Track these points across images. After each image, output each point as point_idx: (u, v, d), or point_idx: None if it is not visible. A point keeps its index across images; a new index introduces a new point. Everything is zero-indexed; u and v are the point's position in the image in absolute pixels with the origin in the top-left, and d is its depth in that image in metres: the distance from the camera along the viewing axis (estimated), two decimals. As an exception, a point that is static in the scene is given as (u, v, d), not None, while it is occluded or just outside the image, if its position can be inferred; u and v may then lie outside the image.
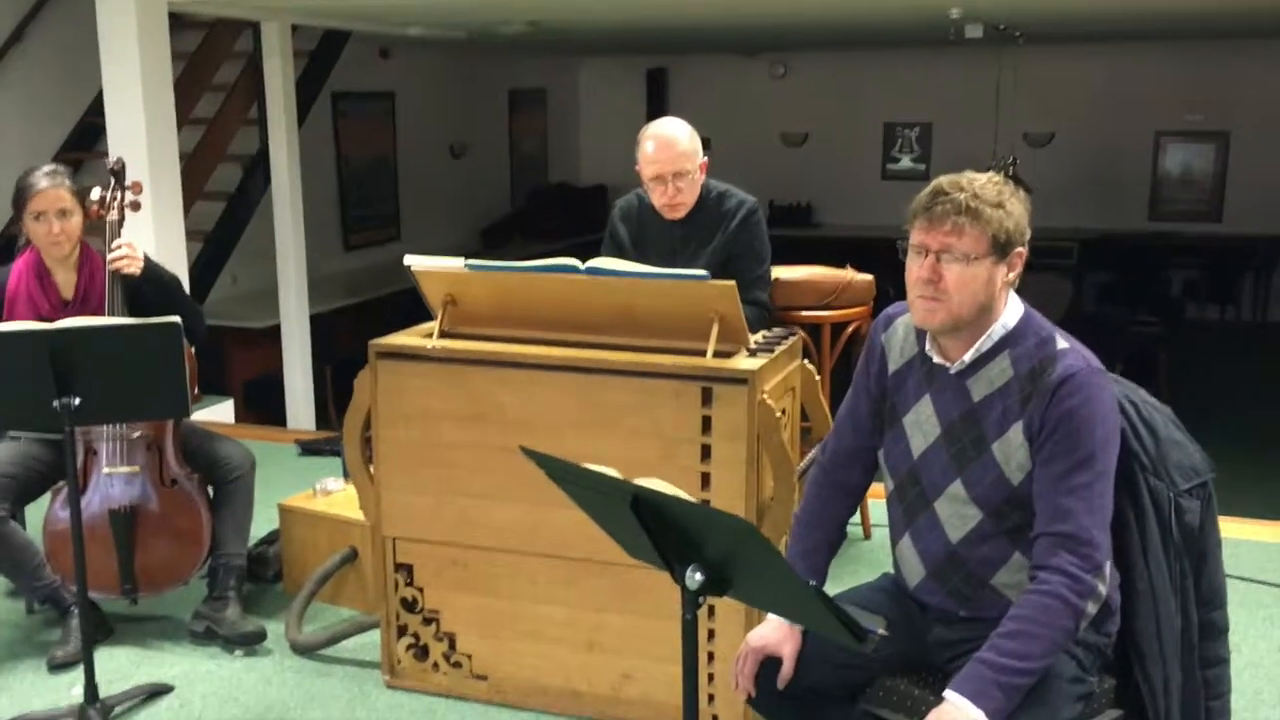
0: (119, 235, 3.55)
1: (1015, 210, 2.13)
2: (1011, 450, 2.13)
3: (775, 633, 2.25)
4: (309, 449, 5.66)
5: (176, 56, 6.19)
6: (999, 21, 8.10)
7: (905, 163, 12.62)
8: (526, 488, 2.96)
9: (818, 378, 3.30)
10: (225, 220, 7.79)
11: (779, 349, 3.04)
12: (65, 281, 3.58)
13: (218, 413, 6.27)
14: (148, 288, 3.55)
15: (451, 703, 3.26)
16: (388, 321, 3.58)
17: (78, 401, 2.88)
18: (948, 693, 2.01)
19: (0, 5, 7.17)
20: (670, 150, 3.52)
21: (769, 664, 2.25)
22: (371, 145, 10.20)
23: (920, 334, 2.27)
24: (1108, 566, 2.11)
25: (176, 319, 3.02)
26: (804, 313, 4.02)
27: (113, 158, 3.73)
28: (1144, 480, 2.23)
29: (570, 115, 13.70)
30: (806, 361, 3.28)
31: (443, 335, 3.15)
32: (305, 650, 3.55)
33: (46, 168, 3.53)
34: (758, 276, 3.65)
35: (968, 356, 2.19)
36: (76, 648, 3.40)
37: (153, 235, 5.44)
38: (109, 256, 3.50)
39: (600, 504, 1.93)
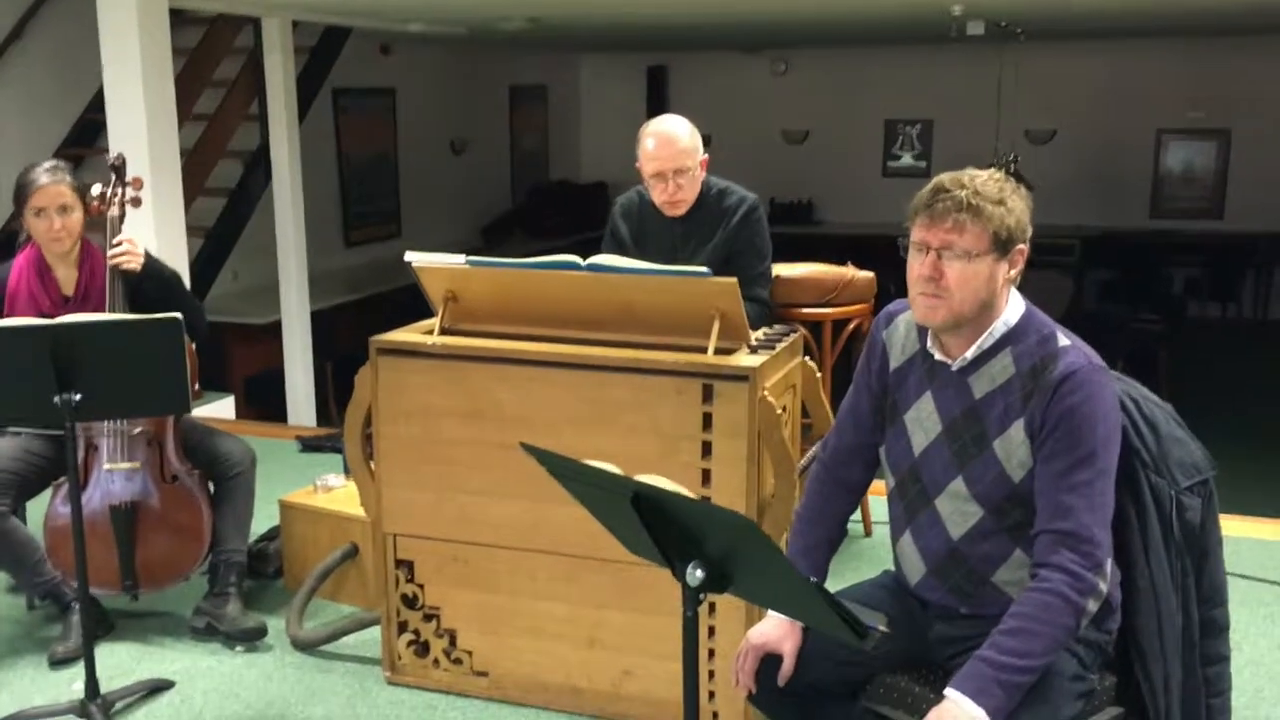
0: (120, 231, 3.55)
1: (1016, 207, 2.12)
2: (1013, 447, 2.13)
3: (776, 630, 2.25)
4: (310, 445, 5.66)
5: (177, 52, 6.18)
6: (1000, 18, 8.09)
7: (906, 160, 12.61)
8: (527, 484, 2.96)
9: (818, 375, 3.30)
10: (226, 216, 7.79)
11: (780, 346, 3.04)
12: (66, 278, 3.58)
13: (219, 409, 6.27)
14: (148, 284, 3.55)
15: (452, 699, 3.26)
16: (388, 318, 3.58)
17: (79, 397, 2.88)
18: (948, 690, 2.01)
19: (1, 2, 7.16)
20: (671, 147, 3.52)
21: (770, 661, 2.25)
22: (372, 141, 10.20)
23: (922, 331, 2.27)
24: (1109, 564, 2.11)
25: (178, 315, 3.02)
26: (805, 310, 4.02)
27: (113, 154, 3.73)
28: (1145, 477, 2.23)
29: (571, 112, 13.70)
30: (807, 359, 3.28)
31: (443, 332, 3.15)
32: (306, 646, 3.56)
33: (47, 164, 3.53)
34: (759, 273, 3.65)
35: (969, 353, 2.19)
36: (77, 643, 3.41)
37: (153, 231, 5.44)
38: (109, 253, 3.50)
39: (601, 500, 1.93)
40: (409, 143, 10.64)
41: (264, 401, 7.62)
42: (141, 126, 5.51)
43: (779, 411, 2.92)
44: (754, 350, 2.96)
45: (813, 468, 2.48)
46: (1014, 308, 2.19)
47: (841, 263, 4.17)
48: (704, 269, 2.93)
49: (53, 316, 3.17)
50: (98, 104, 6.27)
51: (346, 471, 3.98)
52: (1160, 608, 2.22)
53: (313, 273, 7.57)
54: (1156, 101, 11.61)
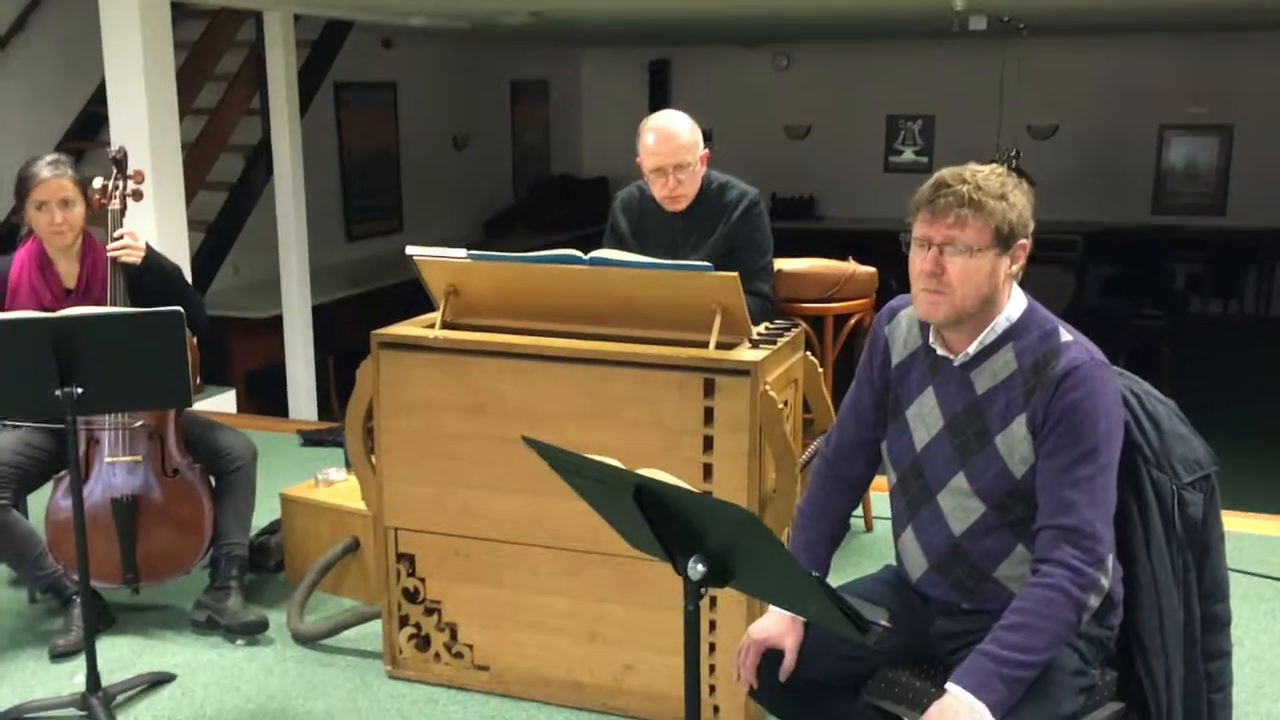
0: (121, 225, 3.55)
1: (1018, 202, 2.12)
2: (1015, 443, 2.13)
3: (777, 625, 2.25)
4: (311, 439, 5.66)
5: (179, 46, 6.18)
6: (1003, 13, 8.08)
7: (908, 155, 12.60)
8: (528, 478, 2.96)
9: (820, 370, 3.30)
10: (227, 210, 7.79)
11: (781, 341, 3.03)
12: (67, 271, 3.58)
13: (220, 403, 6.28)
14: (149, 277, 3.55)
15: (453, 693, 3.26)
16: (390, 312, 3.58)
17: (80, 390, 2.88)
18: (950, 685, 2.01)
19: (2, -5, 7.17)
20: (671, 143, 3.52)
21: (771, 656, 2.25)
22: (374, 136, 10.19)
23: (924, 326, 2.27)
24: (1110, 559, 2.11)
25: (179, 308, 3.02)
26: (806, 305, 4.02)
27: (115, 147, 3.73)
28: (1147, 473, 2.23)
29: (572, 106, 13.69)
30: (809, 353, 3.28)
31: (445, 326, 3.15)
32: (307, 640, 3.56)
33: (49, 157, 3.53)
34: (760, 268, 3.64)
35: (971, 349, 2.18)
36: (78, 637, 3.41)
37: (155, 225, 5.44)
38: (109, 246, 3.50)
39: (602, 494, 1.93)
40: (411, 137, 10.63)
41: (265, 395, 7.63)
42: (143, 120, 5.51)
43: (781, 406, 2.91)
44: (755, 345, 2.96)
45: (815, 463, 2.47)
46: (1016, 303, 2.19)
47: (843, 258, 4.16)
48: (705, 264, 2.93)
49: (54, 310, 3.17)
50: (99, 97, 6.27)
51: (348, 465, 3.98)
52: (1162, 603, 2.22)
53: (314, 267, 7.56)
54: (1159, 97, 11.60)
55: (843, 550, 3.44)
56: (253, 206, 7.92)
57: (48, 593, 3.66)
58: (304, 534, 3.94)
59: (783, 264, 3.95)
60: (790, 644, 2.23)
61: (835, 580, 2.05)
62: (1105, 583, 2.09)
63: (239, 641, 3.58)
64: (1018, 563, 2.17)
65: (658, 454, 2.87)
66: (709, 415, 2.88)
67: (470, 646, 3.26)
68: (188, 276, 4.52)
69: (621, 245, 3.62)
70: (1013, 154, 9.12)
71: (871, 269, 4.15)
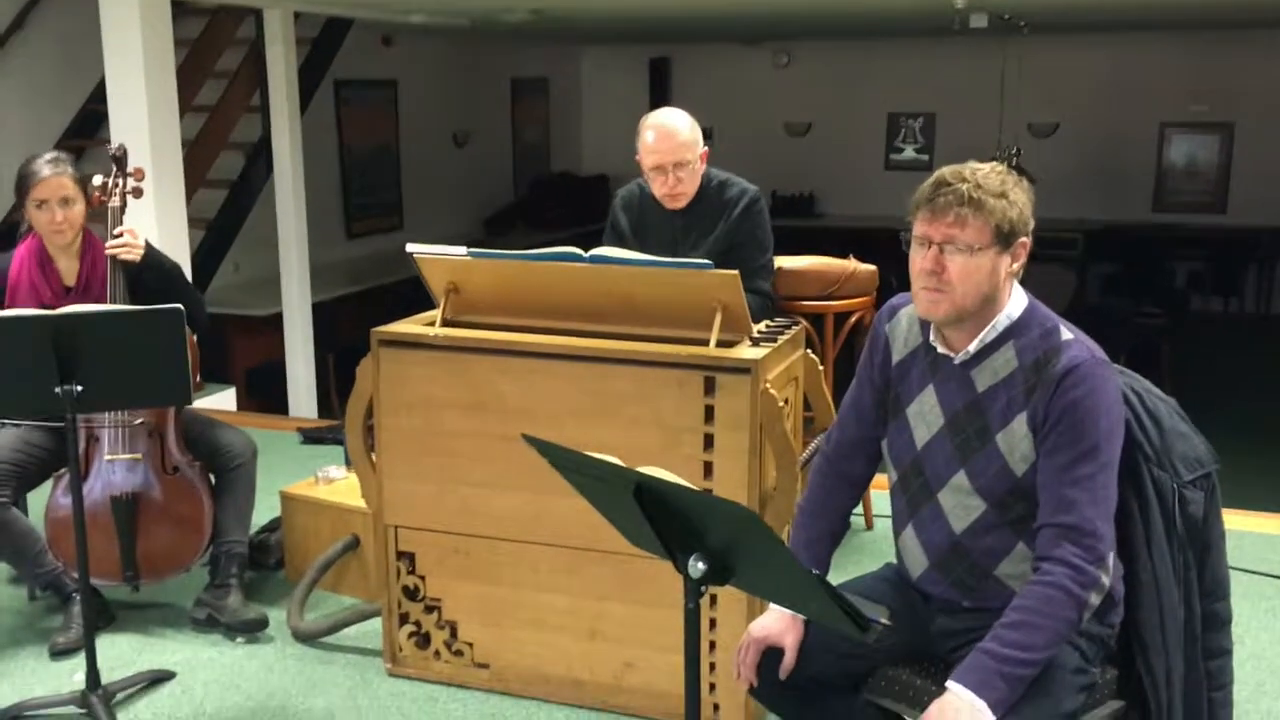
0: (120, 222, 3.55)
1: (1019, 200, 2.12)
2: (1015, 441, 2.12)
3: (777, 623, 2.25)
4: (311, 437, 5.66)
5: (179, 43, 6.17)
6: (1003, 11, 8.08)
7: (909, 153, 12.60)
8: (528, 476, 2.96)
9: (821, 367, 3.30)
10: (227, 208, 7.79)
11: (782, 339, 3.03)
12: (67, 268, 3.57)
13: (220, 400, 6.28)
14: (149, 275, 3.55)
15: (453, 691, 3.26)
16: (390, 310, 3.58)
17: (80, 388, 2.88)
18: (950, 683, 2.01)
19: (2, -8, 7.16)
20: (670, 140, 3.51)
21: (771, 654, 2.25)
22: (374, 133, 10.19)
23: (924, 324, 2.26)
24: (1111, 557, 2.11)
25: (179, 305, 3.02)
26: (807, 303, 4.01)
27: (115, 144, 3.73)
28: (1148, 471, 2.22)
29: (572, 104, 13.69)
30: (809, 351, 3.28)
31: (445, 323, 3.15)
32: (307, 638, 3.56)
33: (49, 155, 3.52)
34: (760, 266, 3.64)
35: (972, 347, 2.18)
36: (78, 634, 3.41)
37: (155, 222, 5.43)
38: (109, 243, 3.50)
39: (602, 492, 1.93)
40: (411, 134, 10.63)
41: (265, 393, 7.63)
42: (143, 117, 5.51)
43: (781, 404, 2.91)
44: (756, 343, 2.96)
45: (815, 461, 2.47)
46: (1017, 301, 2.19)
47: (844, 256, 4.16)
48: (706, 261, 2.93)
49: (54, 307, 3.17)
50: (99, 95, 6.26)
51: (348, 463, 3.98)
52: (1162, 601, 2.22)
53: (314, 264, 7.56)
54: (1159, 95, 11.59)
55: (843, 548, 3.44)
56: (253, 204, 7.92)
57: (47, 590, 3.66)
58: (304, 532, 3.94)
59: (783, 262, 3.95)
60: (790, 642, 2.23)
61: (835, 578, 2.05)
62: (1106, 581, 2.09)
63: (239, 639, 3.57)
64: (1018, 561, 2.17)
65: (658, 452, 2.87)
66: (709, 413, 2.88)
67: (470, 644, 3.26)
68: (188, 274, 4.52)
69: (622, 243, 3.61)
70: (1013, 152, 9.10)
71: (872, 267, 4.15)
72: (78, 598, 3.43)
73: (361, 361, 3.20)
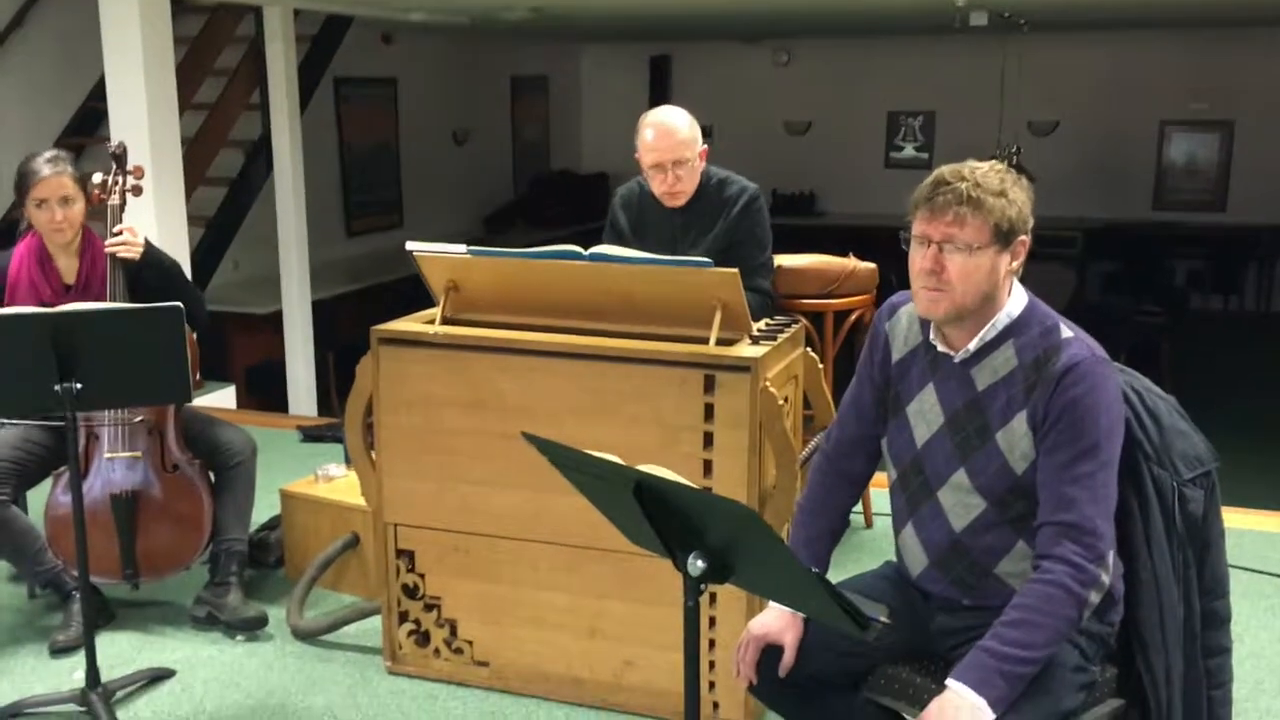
0: (120, 220, 3.55)
1: (1018, 198, 2.12)
2: (1015, 439, 2.12)
3: (777, 621, 2.25)
4: (311, 435, 5.66)
5: (178, 41, 6.17)
6: (1004, 9, 8.07)
7: (908, 151, 12.60)
8: (528, 474, 2.96)
9: (820, 366, 3.30)
10: (227, 206, 7.79)
11: (782, 337, 3.03)
12: (67, 266, 3.57)
13: (220, 398, 6.28)
14: (148, 273, 3.55)
15: (452, 689, 3.26)
16: (390, 308, 3.57)
17: (79, 386, 2.88)
18: (950, 681, 2.01)
19: (1, -11, 7.16)
20: (670, 138, 3.51)
21: (771, 652, 2.25)
22: (374, 131, 10.19)
23: (924, 323, 2.26)
24: (1111, 556, 2.11)
25: (178, 303, 3.01)
26: (807, 301, 4.01)
27: (114, 142, 3.72)
28: (1148, 469, 2.22)
29: (572, 102, 13.69)
30: (809, 349, 3.28)
31: (445, 321, 3.15)
32: (307, 636, 3.56)
33: (48, 154, 3.52)
34: (760, 264, 3.64)
35: (972, 345, 2.18)
36: (78, 632, 3.41)
37: (154, 220, 5.43)
38: (108, 241, 3.49)
39: (602, 490, 1.93)
40: (410, 132, 10.62)
41: (265, 391, 7.63)
42: (142, 115, 5.51)
43: (781, 402, 2.91)
44: (756, 341, 2.96)
45: (815, 459, 2.47)
46: (1017, 300, 2.18)
47: (843, 254, 4.16)
48: (706, 259, 2.93)
49: (53, 305, 3.17)
50: (99, 92, 6.26)
51: (347, 461, 3.98)
52: (1162, 599, 2.22)
53: (314, 263, 7.56)
54: (1159, 93, 11.59)
55: (843, 546, 3.44)
56: (252, 202, 7.92)
57: (47, 588, 3.66)
58: (304, 530, 3.94)
59: (783, 260, 3.95)
60: (790, 640, 2.23)
61: (835, 576, 2.04)
62: (1106, 579, 2.09)
63: (239, 637, 3.58)
64: (1018, 559, 2.17)
65: (657, 450, 2.87)
66: (709, 411, 2.88)
67: (470, 642, 3.26)
68: (187, 272, 4.52)
69: (621, 242, 3.61)
70: (1013, 150, 9.10)
71: (872, 265, 4.15)
72: (77, 595, 3.43)
73: (361, 359, 3.20)
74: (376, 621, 3.46)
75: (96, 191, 3.58)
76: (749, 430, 2.84)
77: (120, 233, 3.50)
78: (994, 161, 2.18)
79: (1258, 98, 11.28)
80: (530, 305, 3.12)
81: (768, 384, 2.84)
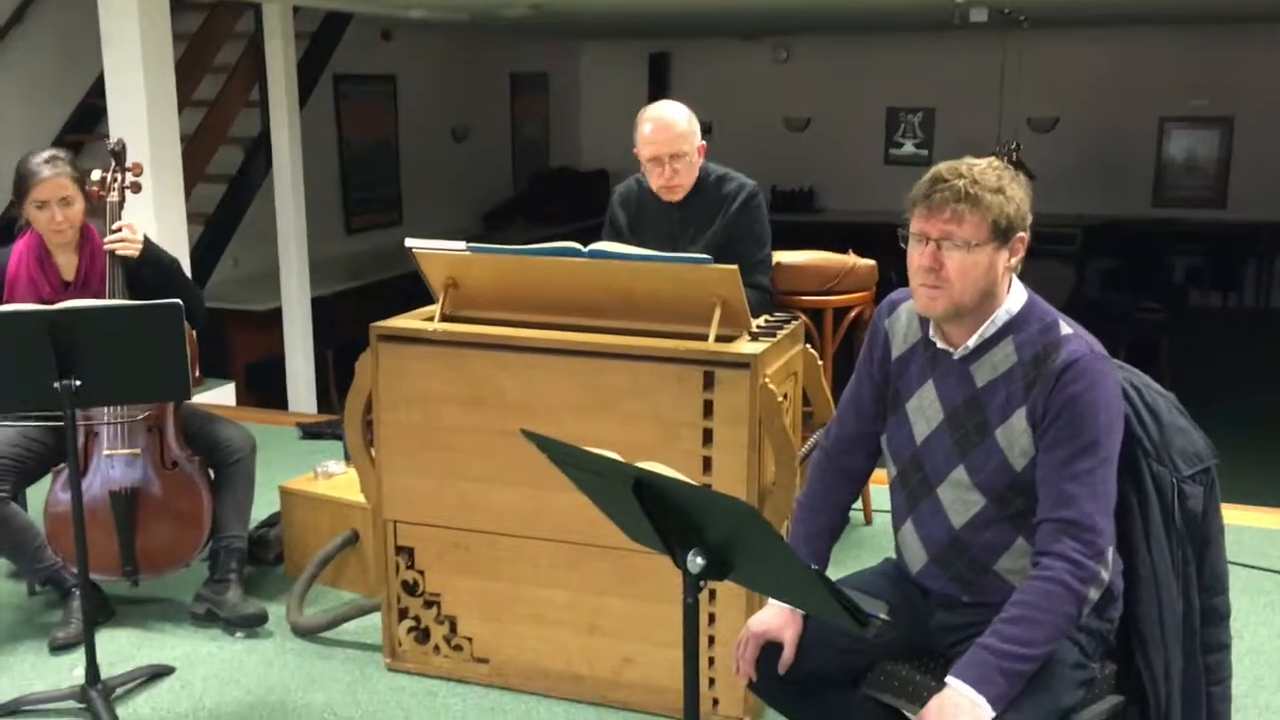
0: (119, 217, 3.55)
1: (1016, 195, 2.11)
2: (1015, 436, 2.12)
3: (777, 618, 2.25)
4: (310, 432, 5.66)
5: (177, 38, 6.16)
6: (1003, 5, 8.07)
7: (908, 148, 12.59)
8: (527, 471, 2.96)
9: (820, 362, 3.30)
10: (226, 203, 7.78)
11: (781, 333, 3.03)
12: (66, 264, 3.57)
13: (219, 395, 6.27)
14: (147, 270, 3.55)
15: (452, 685, 3.26)
16: (389, 305, 3.57)
17: (78, 383, 2.87)
18: (950, 678, 2.01)
19: (1, -14, 7.15)
20: (668, 132, 3.51)
21: (770, 649, 2.25)
22: (373, 128, 10.18)
23: (924, 320, 2.26)
24: (1110, 552, 2.11)
25: (178, 300, 3.01)
26: (806, 297, 4.01)
27: (113, 139, 3.72)
28: (1147, 466, 2.22)
29: (572, 99, 13.68)
30: (808, 346, 3.27)
31: (444, 318, 3.15)
32: (306, 633, 3.56)
33: (46, 154, 3.50)
34: (758, 260, 3.64)
35: (971, 342, 2.18)
36: (78, 629, 3.41)
37: (154, 217, 5.43)
38: (106, 238, 3.49)
39: (601, 487, 1.93)
40: (410, 129, 10.62)
41: (265, 388, 7.62)
42: (142, 112, 5.50)
43: (780, 399, 2.91)
44: (755, 337, 2.96)
45: (814, 456, 2.47)
46: (1016, 296, 2.18)
47: (843, 250, 4.16)
48: (705, 256, 2.92)
49: (52, 302, 3.16)
50: (98, 89, 6.25)
51: (347, 458, 3.98)
52: (1161, 596, 2.22)
53: (313, 259, 7.56)
54: (1159, 89, 11.58)
55: (842, 543, 3.44)
56: (252, 199, 7.91)
57: (47, 585, 3.66)
58: (303, 527, 3.94)
59: (782, 256, 3.95)
60: (789, 637, 2.23)
61: (834, 573, 2.04)
62: (1105, 576, 2.09)
63: (238, 634, 3.58)
64: (1018, 555, 2.17)
65: (657, 447, 2.87)
66: (708, 408, 2.88)
67: (469, 639, 3.26)
68: (187, 269, 4.52)
69: (619, 239, 3.61)
70: (1013, 147, 9.10)
71: (871, 262, 4.15)
72: (77, 593, 3.43)
73: (360, 356, 3.20)
74: (376, 618, 3.46)
75: (95, 189, 3.57)
76: (748, 427, 2.84)
77: (119, 229, 3.50)
78: (992, 158, 2.18)
79: (1257, 94, 11.27)
80: (529, 302, 3.11)
81: (767, 381, 2.84)
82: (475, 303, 3.18)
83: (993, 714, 1.96)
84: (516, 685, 3.23)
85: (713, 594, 2.95)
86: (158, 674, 3.34)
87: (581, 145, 13.75)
